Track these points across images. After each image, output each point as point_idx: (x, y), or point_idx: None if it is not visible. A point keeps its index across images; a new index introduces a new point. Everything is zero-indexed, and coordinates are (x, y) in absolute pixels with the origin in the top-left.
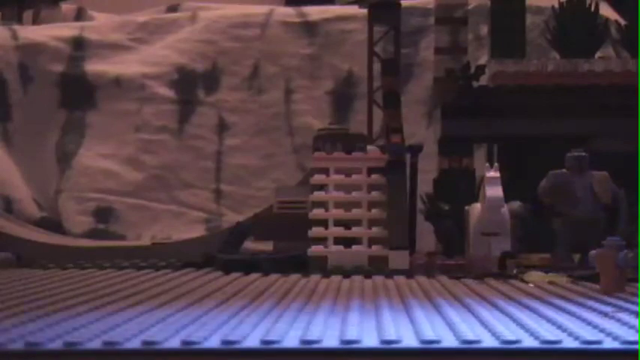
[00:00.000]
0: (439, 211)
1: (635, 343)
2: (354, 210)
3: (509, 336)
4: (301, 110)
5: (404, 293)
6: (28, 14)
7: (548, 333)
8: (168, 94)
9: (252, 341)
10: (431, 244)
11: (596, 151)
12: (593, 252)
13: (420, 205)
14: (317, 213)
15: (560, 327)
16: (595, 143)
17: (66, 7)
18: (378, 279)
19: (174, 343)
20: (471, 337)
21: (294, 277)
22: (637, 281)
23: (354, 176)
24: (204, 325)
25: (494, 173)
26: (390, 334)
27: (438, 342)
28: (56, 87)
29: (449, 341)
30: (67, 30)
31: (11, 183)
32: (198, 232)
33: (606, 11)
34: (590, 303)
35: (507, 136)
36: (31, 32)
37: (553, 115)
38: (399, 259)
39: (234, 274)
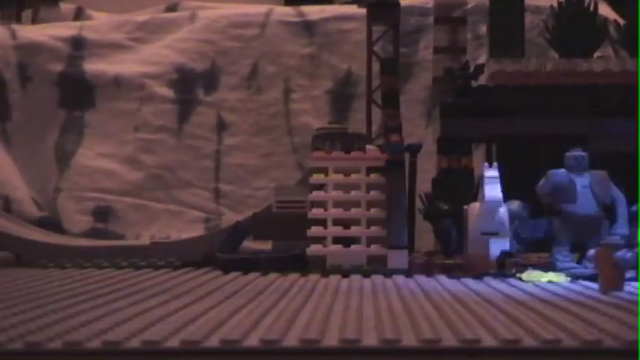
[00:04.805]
0: (438, 210)
1: (635, 342)
2: (353, 209)
3: (509, 335)
4: (300, 110)
5: (403, 293)
6: (27, 14)
7: (548, 332)
8: (168, 94)
9: (252, 340)
10: (430, 244)
11: (595, 151)
12: (592, 251)
13: (418, 204)
14: (316, 212)
15: (559, 326)
16: (594, 143)
17: (65, 7)
18: (377, 278)
19: (173, 342)
20: (470, 336)
21: (293, 276)
22: (637, 281)
23: (353, 176)
24: (204, 325)
25: (493, 173)
26: (390, 333)
27: (437, 341)
28: (55, 86)
29: (448, 340)
30: (66, 29)
31: (10, 182)
32: (197, 231)
33: (605, 10)
34: (589, 302)
35: (506, 135)
36: (30, 32)
37: (552, 115)
38: (398, 258)
39: (233, 274)
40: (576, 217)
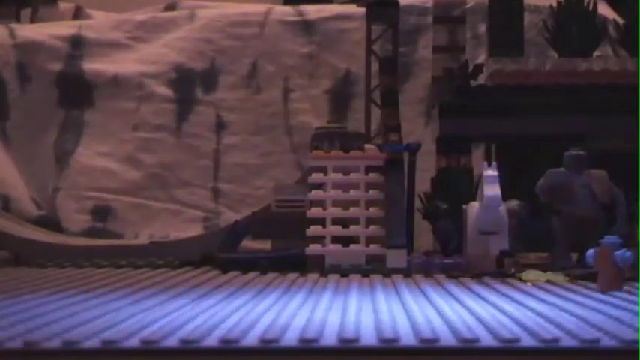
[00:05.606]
0: (437, 210)
1: (635, 341)
2: (352, 209)
3: (508, 335)
4: (299, 109)
5: (402, 292)
6: (25, 13)
7: (547, 332)
8: (167, 93)
9: (251, 340)
10: (429, 243)
11: (594, 150)
12: (590, 251)
13: (418, 203)
14: (315, 212)
15: (558, 325)
16: (593, 142)
17: (64, 6)
18: (376, 278)
19: (172, 341)
20: (469, 336)
21: (292, 275)
22: (636, 280)
23: (352, 175)
24: (203, 324)
25: (492, 172)
26: (389, 332)
27: (436, 341)
28: (54, 86)
29: (447, 340)
30: (65, 28)
31: (9, 182)
32: (196, 230)
33: (604, 10)
34: (589, 302)
35: (505, 134)
36: (29, 31)
37: (551, 114)
38: (396, 257)
39: (232, 273)
40: (575, 216)
